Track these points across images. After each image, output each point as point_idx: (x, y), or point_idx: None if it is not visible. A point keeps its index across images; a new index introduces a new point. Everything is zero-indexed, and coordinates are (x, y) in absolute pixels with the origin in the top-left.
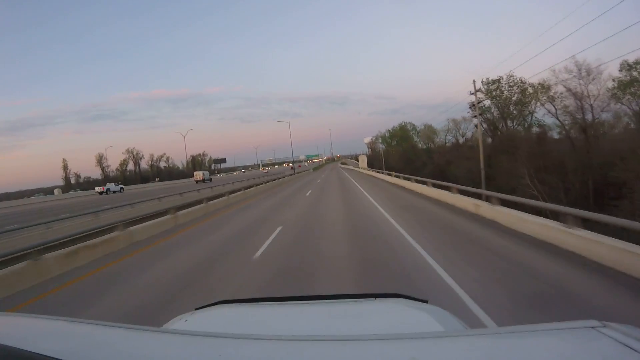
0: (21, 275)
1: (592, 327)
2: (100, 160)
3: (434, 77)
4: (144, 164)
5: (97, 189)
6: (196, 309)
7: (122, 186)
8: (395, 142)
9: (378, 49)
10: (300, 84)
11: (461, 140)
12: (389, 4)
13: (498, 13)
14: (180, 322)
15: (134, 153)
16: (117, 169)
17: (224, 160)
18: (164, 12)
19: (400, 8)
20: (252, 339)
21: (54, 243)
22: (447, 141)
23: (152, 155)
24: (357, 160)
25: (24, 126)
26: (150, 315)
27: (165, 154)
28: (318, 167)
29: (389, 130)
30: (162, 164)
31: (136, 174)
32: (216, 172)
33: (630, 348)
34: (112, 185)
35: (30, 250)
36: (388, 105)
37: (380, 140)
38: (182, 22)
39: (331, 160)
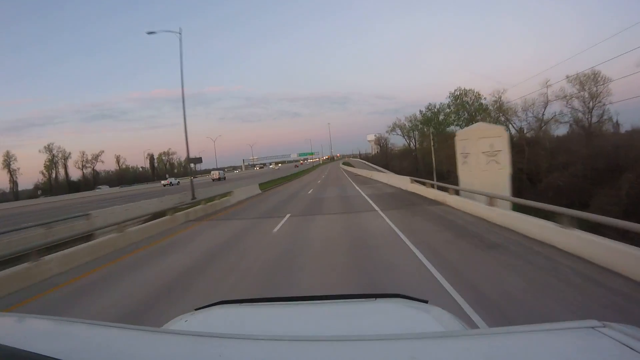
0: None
1: (592, 327)
2: (7, 161)
3: (434, 77)
4: (71, 166)
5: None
6: (196, 309)
7: (178, 180)
8: (434, 129)
9: (378, 48)
10: (301, 84)
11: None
12: (390, 4)
13: (498, 12)
14: (180, 323)
15: (53, 152)
16: (41, 172)
17: (199, 160)
18: (165, 12)
19: (400, 8)
20: (252, 339)
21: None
22: (545, 117)
23: (83, 154)
24: (363, 160)
25: (24, 126)
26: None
27: (103, 151)
28: (302, 172)
29: (422, 112)
30: (104, 166)
31: (57, 181)
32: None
33: (630, 348)
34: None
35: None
36: (388, 105)
37: (400, 132)
38: (184, 22)
39: (330, 159)
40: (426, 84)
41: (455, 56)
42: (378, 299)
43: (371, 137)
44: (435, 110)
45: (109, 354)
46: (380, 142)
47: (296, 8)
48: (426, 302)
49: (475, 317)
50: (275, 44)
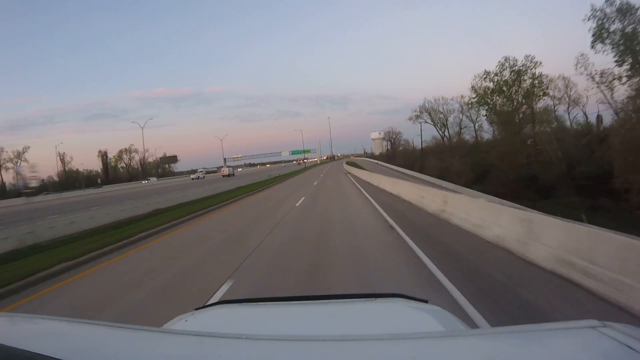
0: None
1: (592, 327)
2: None
3: (434, 78)
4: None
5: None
6: (196, 309)
7: (204, 174)
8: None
9: (380, 48)
10: (302, 84)
11: None
12: (390, 6)
13: (498, 13)
14: (180, 323)
15: None
16: None
17: (174, 159)
18: (166, 11)
19: (402, 7)
20: (252, 339)
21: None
22: None
23: (1, 151)
24: (369, 159)
25: (25, 125)
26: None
27: (28, 147)
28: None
29: (488, 73)
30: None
31: None
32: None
33: (631, 348)
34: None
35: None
36: (388, 105)
37: (429, 119)
38: (184, 18)
39: (331, 159)
40: (427, 85)
41: (457, 56)
42: (378, 299)
43: (375, 134)
44: (518, 68)
45: (109, 354)
46: (391, 137)
47: (298, 7)
48: (426, 302)
49: None
50: (276, 42)
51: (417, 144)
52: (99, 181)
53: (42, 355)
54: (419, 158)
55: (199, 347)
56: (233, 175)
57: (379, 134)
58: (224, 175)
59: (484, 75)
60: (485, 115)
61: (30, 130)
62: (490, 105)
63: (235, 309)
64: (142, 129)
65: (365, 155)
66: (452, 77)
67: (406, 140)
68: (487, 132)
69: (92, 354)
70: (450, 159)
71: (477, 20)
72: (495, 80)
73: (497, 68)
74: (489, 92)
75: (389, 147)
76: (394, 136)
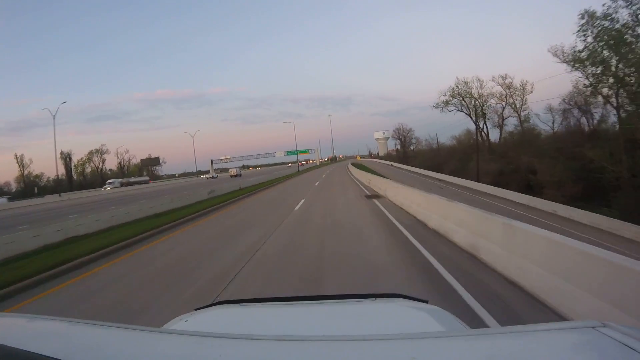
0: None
1: (592, 327)
2: None
3: (436, 80)
4: None
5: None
6: (196, 310)
7: (217, 174)
8: None
9: (382, 49)
10: (304, 85)
11: None
12: (393, 8)
13: (501, 16)
14: (180, 323)
15: None
16: None
17: (156, 161)
18: (169, 13)
19: (404, 9)
20: (252, 340)
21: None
22: None
23: None
24: (376, 158)
25: (27, 126)
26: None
27: None
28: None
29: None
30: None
31: None
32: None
33: (631, 348)
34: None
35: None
36: (390, 107)
37: (458, 104)
38: (187, 20)
39: (332, 160)
40: (429, 86)
41: (460, 58)
42: (378, 299)
43: (379, 134)
44: None
45: (109, 354)
46: (400, 135)
47: (301, 9)
48: (426, 302)
49: None
50: (279, 44)
51: (441, 139)
52: (36, 190)
53: (42, 355)
54: (449, 158)
55: (199, 347)
56: (240, 175)
57: (383, 133)
58: (231, 176)
59: (584, 19)
60: (591, 85)
61: (33, 131)
62: (618, 70)
63: (236, 309)
64: (54, 117)
65: (371, 155)
66: (451, 78)
67: (417, 138)
68: (546, 122)
69: (92, 354)
70: (514, 159)
71: (479, 19)
72: (608, 26)
73: (605, 7)
74: (613, 42)
75: (398, 147)
76: (405, 134)
